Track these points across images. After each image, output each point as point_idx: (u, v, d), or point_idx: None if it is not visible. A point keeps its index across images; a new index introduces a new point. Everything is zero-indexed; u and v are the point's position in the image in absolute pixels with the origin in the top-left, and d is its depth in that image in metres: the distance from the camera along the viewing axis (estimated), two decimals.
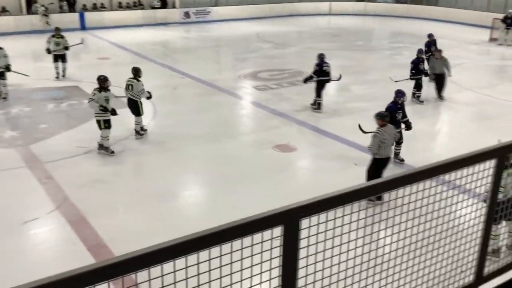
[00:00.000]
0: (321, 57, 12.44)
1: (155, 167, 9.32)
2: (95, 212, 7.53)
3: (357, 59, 19.43)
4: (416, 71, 13.14)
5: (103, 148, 9.73)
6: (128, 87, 10.57)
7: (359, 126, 8.88)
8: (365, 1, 33.05)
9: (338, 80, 13.07)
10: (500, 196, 5.00)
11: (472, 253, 2.99)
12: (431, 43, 15.59)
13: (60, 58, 15.51)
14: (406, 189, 2.48)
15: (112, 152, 9.70)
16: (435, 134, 11.81)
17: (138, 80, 10.53)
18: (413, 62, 13.25)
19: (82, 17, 25.09)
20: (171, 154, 9.92)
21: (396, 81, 12.73)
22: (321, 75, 12.28)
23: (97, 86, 9.73)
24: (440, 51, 14.09)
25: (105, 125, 9.62)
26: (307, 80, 12.62)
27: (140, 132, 10.70)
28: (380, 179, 2.36)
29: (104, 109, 9.55)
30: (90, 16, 25.40)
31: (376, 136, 7.93)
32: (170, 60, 19.00)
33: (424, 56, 13.74)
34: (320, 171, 9.29)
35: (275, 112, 12.54)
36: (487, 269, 3.01)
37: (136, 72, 10.63)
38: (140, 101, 10.55)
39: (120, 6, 27.23)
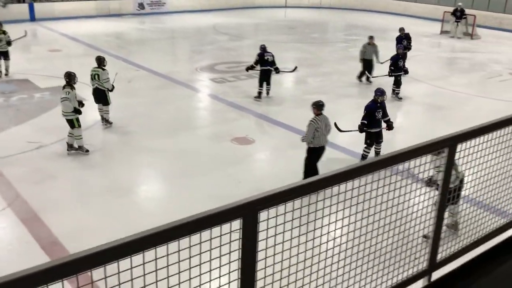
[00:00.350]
0: (262, 47, 12.72)
1: (110, 161, 9.14)
2: (48, 209, 7.33)
3: (313, 51, 19.61)
4: (395, 67, 13.14)
5: (75, 148, 9.31)
6: (94, 76, 10.48)
7: (335, 124, 8.82)
8: None
9: (292, 71, 13.20)
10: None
11: (426, 240, 3.08)
12: (402, 37, 15.59)
13: (2, 55, 14.46)
14: (361, 179, 2.52)
15: (87, 150, 9.34)
16: None
17: (103, 69, 10.50)
18: (392, 58, 13.23)
19: (31, 8, 24.21)
20: (126, 148, 9.75)
21: (373, 77, 13.04)
22: (263, 64, 12.47)
23: (64, 83, 9.21)
24: (372, 37, 14.54)
25: (78, 123, 9.25)
26: (248, 69, 12.99)
27: (109, 120, 10.63)
28: (336, 170, 2.39)
29: (77, 110, 9.18)
30: (39, 7, 24.52)
31: (311, 124, 7.96)
32: (125, 52, 18.62)
33: (402, 51, 13.78)
34: (279, 163, 9.34)
35: (233, 104, 12.52)
36: (440, 256, 3.11)
37: (100, 61, 10.60)
38: (108, 90, 10.43)
39: None
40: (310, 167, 8.05)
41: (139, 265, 1.85)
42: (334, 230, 2.73)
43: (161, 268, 1.93)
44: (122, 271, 1.80)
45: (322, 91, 13.88)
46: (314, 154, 8.10)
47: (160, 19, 26.41)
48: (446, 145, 2.80)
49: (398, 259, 2.97)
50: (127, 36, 22.00)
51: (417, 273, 3.01)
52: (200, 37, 22.08)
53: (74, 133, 9.24)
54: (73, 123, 9.21)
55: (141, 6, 27.66)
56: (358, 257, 2.82)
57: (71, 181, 8.30)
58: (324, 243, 2.67)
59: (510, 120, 3.14)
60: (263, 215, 2.11)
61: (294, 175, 8.57)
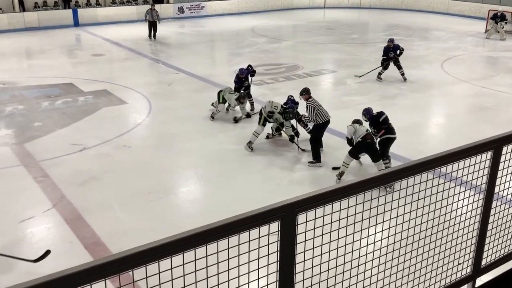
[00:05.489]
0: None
1: (150, 163, 9.29)
2: (91, 210, 7.51)
3: (352, 52, 19.41)
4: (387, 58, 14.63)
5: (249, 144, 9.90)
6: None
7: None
8: None
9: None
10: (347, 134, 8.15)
11: (469, 245, 3.00)
12: (390, 48, 14.63)
13: None
14: (402, 182, 2.48)
15: (251, 149, 9.78)
16: (431, 127, 11.83)
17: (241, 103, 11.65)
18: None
19: (75, 14, 24.95)
20: (166, 150, 9.89)
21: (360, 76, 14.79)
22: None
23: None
24: (153, 4, 21.82)
25: (263, 123, 9.87)
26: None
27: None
28: (377, 172, 2.36)
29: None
30: (83, 13, 25.24)
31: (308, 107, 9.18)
32: (165, 56, 18.94)
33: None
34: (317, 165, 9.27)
35: None
36: (484, 261, 3.02)
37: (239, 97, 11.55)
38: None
39: (114, 2, 27.08)
40: (316, 143, 9.26)
41: (179, 266, 1.87)
42: (374, 234, 2.68)
43: (200, 269, 1.95)
44: (163, 271, 1.82)
45: (361, 92, 13.72)
46: (320, 130, 9.32)
47: (199, 23, 26.73)
48: (491, 147, 2.72)
49: (441, 264, 2.90)
50: (167, 40, 22.37)
51: (460, 278, 2.94)
52: (239, 39, 22.22)
53: (256, 129, 9.83)
54: (260, 120, 9.86)
55: (181, 10, 28.07)
56: (399, 261, 2.77)
57: (113, 183, 8.49)
58: (364, 246, 2.63)
59: None
60: (301, 217, 2.10)
61: (333, 179, 8.51)
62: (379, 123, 8.63)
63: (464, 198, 2.96)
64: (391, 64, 14.66)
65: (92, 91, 13.82)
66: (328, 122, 9.28)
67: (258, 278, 2.18)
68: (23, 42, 21.31)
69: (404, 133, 10.70)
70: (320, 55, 18.94)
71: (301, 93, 9.43)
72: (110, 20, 25.56)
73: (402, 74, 14.71)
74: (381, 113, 8.81)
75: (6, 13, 23.94)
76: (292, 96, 10.29)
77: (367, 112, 8.95)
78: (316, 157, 9.13)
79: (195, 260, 1.91)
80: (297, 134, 10.04)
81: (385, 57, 14.59)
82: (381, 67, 14.77)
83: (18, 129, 10.97)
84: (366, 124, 8.76)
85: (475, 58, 18.55)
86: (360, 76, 15.12)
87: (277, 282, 2.15)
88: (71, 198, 7.85)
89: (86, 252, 6.44)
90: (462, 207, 2.97)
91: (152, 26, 21.52)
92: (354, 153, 8.39)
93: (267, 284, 2.22)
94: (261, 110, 10.00)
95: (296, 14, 29.89)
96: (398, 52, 14.52)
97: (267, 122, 9.92)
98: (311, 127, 9.87)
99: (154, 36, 21.64)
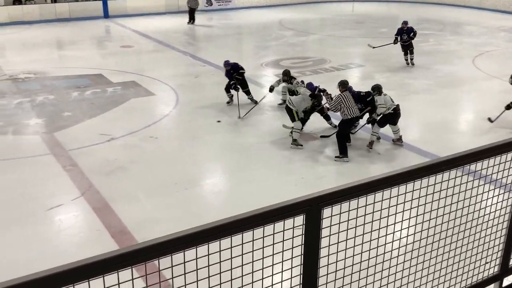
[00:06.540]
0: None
1: (176, 154, 9.38)
2: (118, 199, 7.62)
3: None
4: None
5: (296, 143, 9.56)
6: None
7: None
8: None
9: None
10: (382, 111, 9.25)
11: (497, 244, 2.94)
12: (403, 30, 15.62)
13: None
14: (430, 179, 2.44)
15: (301, 145, 9.57)
16: (461, 123, 11.62)
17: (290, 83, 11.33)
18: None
19: (105, 5, 25.26)
20: (192, 142, 9.96)
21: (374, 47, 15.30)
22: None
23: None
24: None
25: (298, 117, 9.63)
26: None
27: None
28: (404, 168, 2.33)
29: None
30: (113, 4, 25.55)
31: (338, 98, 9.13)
32: (193, 48, 19.03)
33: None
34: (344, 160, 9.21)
35: None
36: None
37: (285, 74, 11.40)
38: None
39: None
40: (344, 138, 9.19)
41: (204, 256, 1.89)
42: (400, 230, 2.66)
43: (225, 260, 1.97)
44: (188, 261, 1.84)
45: (390, 87, 13.53)
46: (348, 125, 9.26)
47: (227, 15, 26.76)
48: None
49: (468, 262, 2.86)
50: (195, 33, 22.47)
51: (487, 277, 2.89)
52: (266, 32, 22.16)
53: (294, 125, 9.58)
54: (294, 116, 9.60)
55: (209, 2, 28.15)
56: (425, 259, 2.74)
57: (140, 173, 8.59)
58: (389, 242, 2.61)
59: None
60: (326, 211, 2.10)
61: (361, 173, 8.45)
62: (367, 102, 9.46)
63: (493, 197, 2.91)
64: (406, 50, 15.68)
65: (120, 82, 13.99)
66: (356, 118, 9.27)
67: (282, 271, 2.19)
68: (54, 33, 21.70)
69: (433, 129, 10.56)
70: (348, 49, 18.76)
71: (338, 85, 9.39)
72: (139, 12, 25.81)
73: (411, 59, 15.62)
74: (368, 93, 9.56)
75: (38, 4, 24.40)
76: (311, 83, 10.37)
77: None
78: (343, 152, 9.07)
79: (220, 251, 1.92)
80: (304, 121, 9.83)
81: (397, 36, 15.54)
82: (392, 43, 15.73)
83: (48, 118, 11.20)
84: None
85: (507, 54, 18.09)
86: (373, 47, 15.55)
87: (301, 275, 2.15)
88: (98, 187, 7.97)
89: (112, 240, 6.55)
90: (490, 206, 2.92)
91: (191, 13, 23.65)
92: (384, 123, 9.35)
93: (291, 277, 2.22)
94: (287, 106, 9.80)
95: (324, 8, 29.65)
96: (411, 34, 15.32)
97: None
98: (335, 122, 9.80)
99: (193, 21, 23.68)
